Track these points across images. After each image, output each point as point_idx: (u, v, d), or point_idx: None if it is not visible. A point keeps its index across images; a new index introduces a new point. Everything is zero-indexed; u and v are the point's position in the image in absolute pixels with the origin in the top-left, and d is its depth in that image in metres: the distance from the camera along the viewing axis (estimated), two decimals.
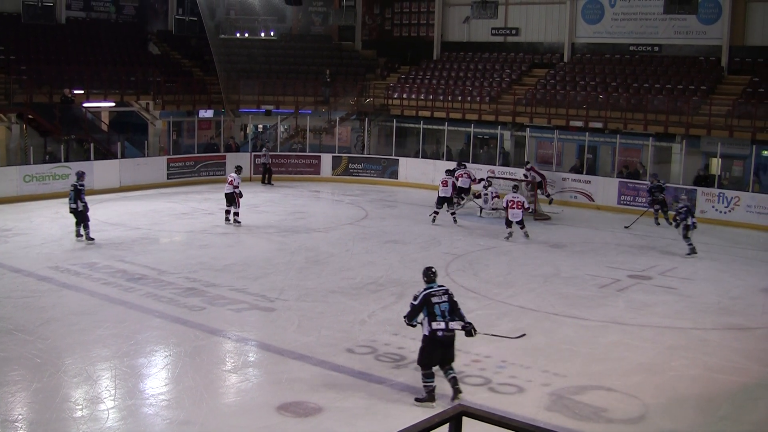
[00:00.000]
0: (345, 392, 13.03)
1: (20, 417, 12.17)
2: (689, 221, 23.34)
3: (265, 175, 35.65)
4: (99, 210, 27.08)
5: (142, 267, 20.67)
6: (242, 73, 40.57)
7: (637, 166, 32.66)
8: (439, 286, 12.89)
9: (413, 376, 13.52)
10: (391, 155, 36.62)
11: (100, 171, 32.40)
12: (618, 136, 32.15)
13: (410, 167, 35.68)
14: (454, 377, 12.80)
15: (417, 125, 36.78)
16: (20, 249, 22.60)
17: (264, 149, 36.45)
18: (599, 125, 32.97)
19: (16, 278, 19.64)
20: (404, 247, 23.35)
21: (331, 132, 39.22)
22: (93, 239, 23.54)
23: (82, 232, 23.69)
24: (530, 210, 26.66)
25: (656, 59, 35.73)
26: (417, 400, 12.76)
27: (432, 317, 12.58)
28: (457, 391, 12.72)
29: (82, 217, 23.64)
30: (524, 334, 15.38)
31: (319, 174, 36.90)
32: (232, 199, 26.54)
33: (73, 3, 41.19)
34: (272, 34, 44.54)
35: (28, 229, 25.29)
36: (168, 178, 34.83)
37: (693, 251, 23.41)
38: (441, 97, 37.80)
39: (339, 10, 43.24)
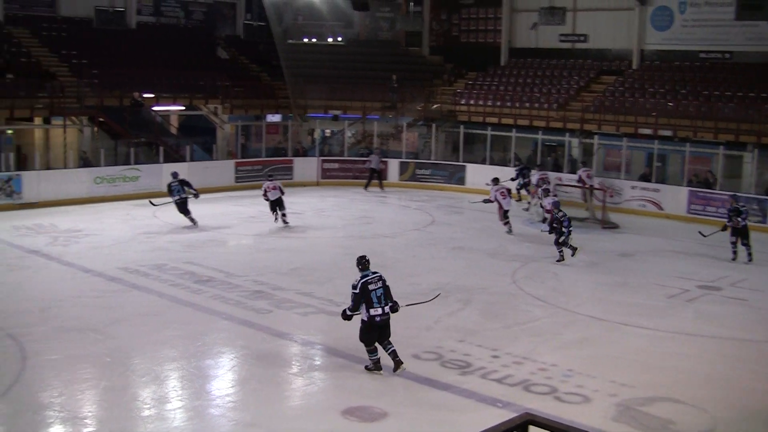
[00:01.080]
0: (410, 398, 13.04)
1: (89, 414, 12.36)
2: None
3: (371, 179, 35.70)
4: (167, 213, 27.37)
5: (210, 269, 20.85)
6: (310, 78, 40.72)
7: (707, 175, 32.18)
8: (373, 273, 13.90)
9: (479, 383, 13.51)
10: (458, 161, 36.53)
11: (169, 174, 32.70)
12: (688, 144, 31.67)
13: (477, 174, 35.49)
14: (393, 350, 13.88)
15: (484, 131, 36.66)
16: (91, 249, 22.92)
17: (372, 154, 36.50)
18: (668, 133, 32.49)
19: (87, 278, 19.93)
20: (471, 254, 23.27)
21: (398, 137, 39.24)
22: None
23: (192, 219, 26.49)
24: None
25: (727, 66, 35.16)
26: (366, 368, 14.02)
27: (369, 304, 13.64)
28: (398, 363, 13.82)
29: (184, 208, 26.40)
30: (438, 294, 16.66)
31: (386, 179, 36.91)
32: (280, 202, 26.81)
33: (143, 8, 41.76)
34: (339, 39, 44.66)
35: (98, 230, 25.65)
36: (236, 182, 35.08)
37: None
38: (508, 104, 37.59)
39: (406, 15, 43.32)
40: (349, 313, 14.01)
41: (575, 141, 34.93)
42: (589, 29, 39.13)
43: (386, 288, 13.89)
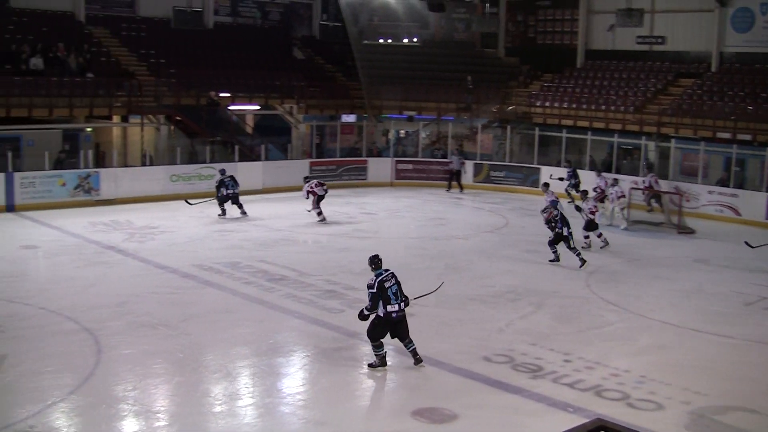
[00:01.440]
0: (480, 401, 12.97)
1: (162, 409, 12.49)
2: None
3: (452, 180, 35.73)
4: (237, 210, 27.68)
5: (283, 268, 20.98)
6: (385, 78, 40.78)
7: None
8: (386, 271, 14.11)
9: (550, 387, 13.40)
10: (533, 164, 36.31)
11: (244, 172, 32.97)
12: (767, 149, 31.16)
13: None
14: (414, 349, 14.17)
15: (559, 134, 36.36)
16: (166, 246, 23.21)
17: (453, 155, 36.46)
18: (748, 137, 31.96)
19: (162, 275, 20.19)
20: (544, 257, 23.08)
21: (472, 139, 39.12)
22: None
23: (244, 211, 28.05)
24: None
25: None
26: (370, 365, 14.18)
27: (387, 300, 13.85)
28: (417, 361, 14.16)
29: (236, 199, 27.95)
30: (443, 283, 16.94)
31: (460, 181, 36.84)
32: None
33: (220, 8, 42.18)
34: (415, 40, 44.63)
35: (173, 228, 25.97)
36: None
37: None
38: (584, 106, 37.27)
39: (482, 16, 43.15)
40: (366, 312, 14.09)
41: (651, 144, 34.50)
42: (667, 31, 38.58)
43: (399, 284, 14.10)
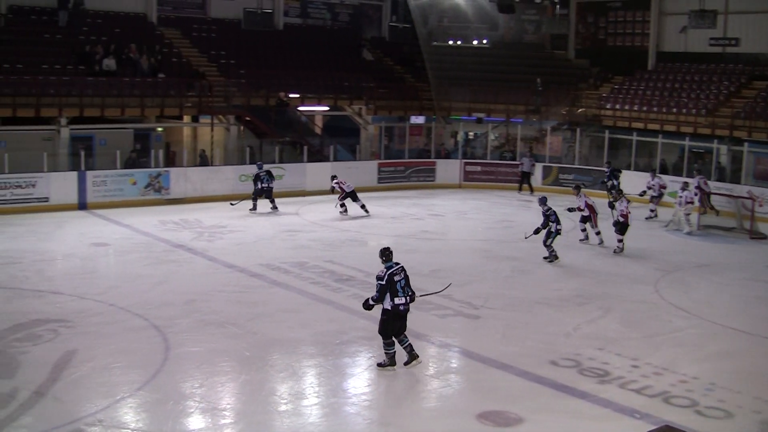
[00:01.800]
0: (546, 405, 12.86)
1: (228, 406, 12.58)
2: None
3: (523, 182, 35.64)
4: (309, 211, 27.88)
5: (350, 268, 21.02)
6: (454, 80, 40.72)
7: None
8: (396, 264, 14.09)
9: (617, 392, 13.25)
10: (603, 166, 35.94)
11: (313, 173, 33.20)
12: None
13: (621, 179, 34.89)
14: (409, 344, 14.18)
15: (629, 137, 35.97)
16: (234, 246, 23.39)
17: (524, 158, 36.30)
18: None
19: (230, 274, 20.35)
20: (613, 261, 22.87)
21: (541, 141, 38.90)
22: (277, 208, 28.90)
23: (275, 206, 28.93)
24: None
25: None
26: (379, 365, 14.13)
27: (394, 293, 13.88)
28: (413, 357, 14.13)
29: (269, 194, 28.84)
30: (450, 284, 16.76)
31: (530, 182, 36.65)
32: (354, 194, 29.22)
33: (290, 10, 42.40)
34: (484, 42, 44.46)
35: (242, 227, 26.18)
36: (378, 182, 35.34)
37: None
38: (655, 109, 36.86)
39: (552, 18, 42.90)
40: (371, 303, 14.15)
41: (724, 148, 33.97)
42: (741, 33, 37.93)
43: (407, 278, 14.17)
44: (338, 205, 28.87)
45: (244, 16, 37.60)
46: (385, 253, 14.22)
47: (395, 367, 14.11)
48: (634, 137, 35.60)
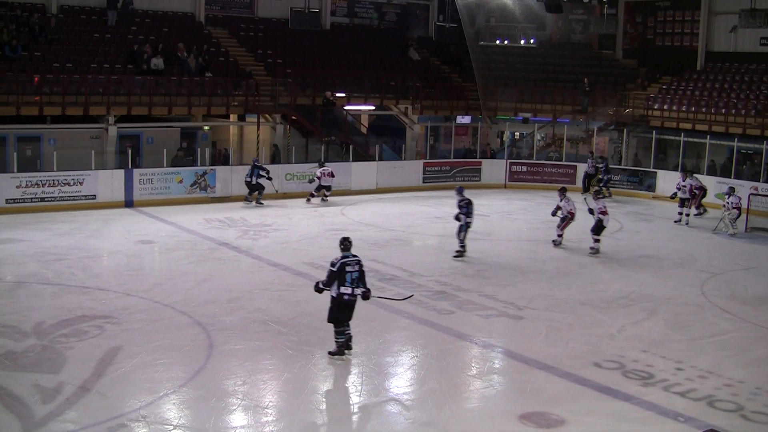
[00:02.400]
0: (589, 407, 12.78)
1: (270, 404, 12.62)
2: None
3: (586, 182, 35.31)
4: (354, 210, 27.89)
5: (394, 268, 21.02)
6: (500, 80, 40.64)
7: None
8: (353, 256, 14.47)
9: (661, 395, 13.15)
10: (650, 167, 35.67)
11: (358, 172, 33.28)
12: None
13: (669, 181, 34.57)
14: (349, 335, 14.62)
15: (677, 137, 35.61)
16: (278, 244, 23.47)
17: (589, 159, 35.92)
18: None
19: (274, 272, 20.42)
20: (658, 263, 22.69)
21: (588, 141, 38.68)
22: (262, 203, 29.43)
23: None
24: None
25: None
26: (330, 353, 14.52)
27: (342, 282, 14.29)
28: (347, 348, 14.58)
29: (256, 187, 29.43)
30: (412, 295, 17.27)
31: (575, 184, 36.41)
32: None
33: (337, 9, 42.53)
34: (532, 41, 44.26)
35: (286, 226, 26.28)
36: (423, 182, 35.34)
37: None
38: (704, 109, 36.49)
39: (600, 18, 42.59)
40: (321, 287, 14.64)
41: None
42: None
43: (362, 273, 14.49)
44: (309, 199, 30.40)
45: (291, 15, 37.69)
46: (344, 242, 14.63)
47: (344, 356, 14.53)
48: (682, 138, 35.24)
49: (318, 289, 14.70)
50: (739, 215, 27.23)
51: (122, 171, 28.82)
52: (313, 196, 30.70)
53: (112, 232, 24.70)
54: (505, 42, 43.98)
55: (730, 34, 39.31)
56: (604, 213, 23.68)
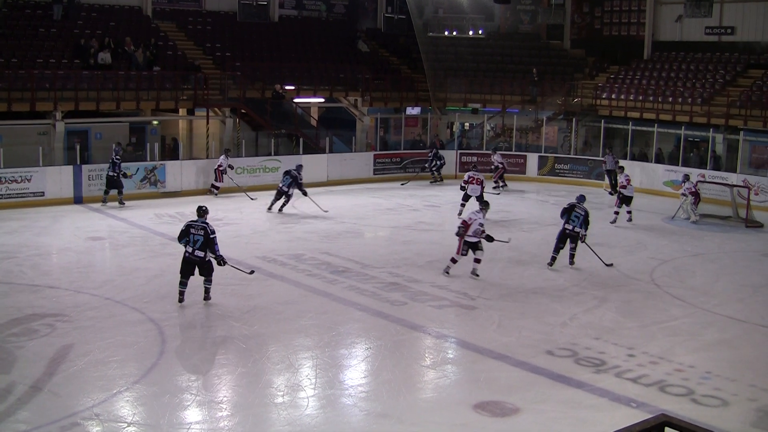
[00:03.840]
0: (543, 395, 12.88)
1: (225, 399, 12.62)
2: None
3: (611, 181, 33.91)
4: (306, 203, 27.73)
5: (346, 260, 21.03)
6: (450, 71, 40.75)
7: None
8: (203, 222, 16.73)
9: (614, 382, 13.31)
10: (599, 156, 35.93)
11: (309, 165, 33.10)
12: None
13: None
14: (207, 288, 17.05)
15: (626, 126, 35.94)
16: (230, 238, 23.33)
17: (607, 155, 34.45)
18: None
19: (226, 266, 20.29)
20: (609, 251, 22.84)
21: (537, 131, 38.89)
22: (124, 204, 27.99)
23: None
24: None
25: None
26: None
27: (186, 242, 16.65)
28: (205, 299, 17.04)
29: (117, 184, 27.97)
30: (253, 271, 18.64)
31: (525, 173, 36.64)
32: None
33: (285, 1, 42.43)
34: (480, 32, 44.32)
35: (238, 220, 26.19)
36: (374, 174, 35.36)
37: None
38: (651, 98, 36.83)
39: (548, 8, 42.82)
40: (179, 240, 16.99)
41: (719, 137, 33.98)
42: (737, 21, 37.93)
43: (208, 240, 16.54)
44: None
45: (239, 8, 37.52)
46: (199, 210, 17.09)
47: (181, 304, 16.77)
48: (630, 126, 35.58)
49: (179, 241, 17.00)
50: (697, 200, 27.56)
51: (70, 167, 28.53)
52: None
53: (61, 229, 24.46)
54: (454, 33, 44.00)
55: (675, 24, 39.72)
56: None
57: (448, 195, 31.57)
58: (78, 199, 28.23)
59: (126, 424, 11.52)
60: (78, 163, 28.87)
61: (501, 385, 13.20)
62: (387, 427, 11.72)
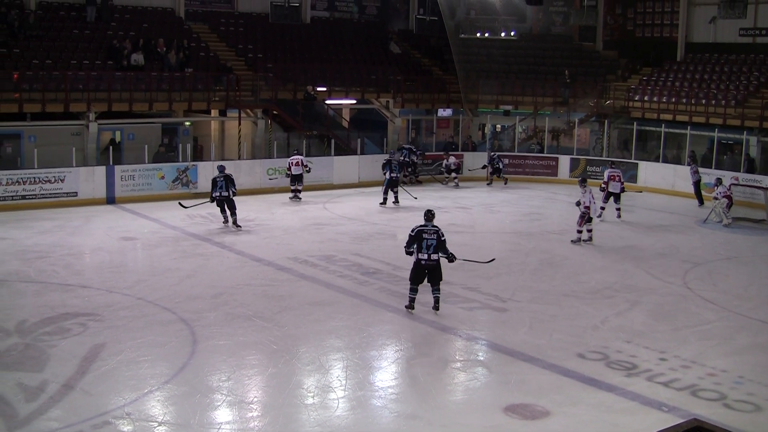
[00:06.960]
0: (573, 398, 12.81)
1: (255, 399, 12.62)
2: None
3: (698, 192, 32.18)
4: (337, 205, 27.87)
5: (377, 261, 21.03)
6: (481, 72, 40.69)
7: None
8: (432, 226, 16.69)
9: (645, 385, 13.22)
10: (631, 159, 35.76)
11: (340, 166, 33.26)
12: None
13: (649, 171, 34.74)
14: (437, 297, 16.82)
15: (658, 128, 35.75)
16: (262, 239, 23.44)
17: (693, 165, 32.44)
18: None
19: (257, 267, 20.40)
20: (640, 253, 22.75)
21: (569, 133, 38.76)
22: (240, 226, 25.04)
23: (229, 217, 25.04)
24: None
25: None
26: (406, 306, 16.86)
27: (419, 248, 16.45)
28: (435, 308, 16.80)
29: (230, 204, 24.85)
30: (494, 259, 19.29)
31: (557, 176, 36.52)
32: (300, 177, 30.00)
33: (317, 3, 42.49)
34: (512, 34, 44.28)
35: (269, 220, 26.25)
36: (405, 176, 35.30)
37: None
38: (684, 100, 36.59)
39: (580, 9, 42.63)
40: (406, 249, 16.75)
41: (753, 139, 33.70)
42: None
43: (440, 242, 16.53)
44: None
45: (272, 9, 37.63)
46: (426, 215, 17.06)
47: (413, 310, 16.79)
48: (663, 129, 35.37)
49: (407, 253, 16.78)
50: (730, 204, 27.30)
51: (103, 168, 28.71)
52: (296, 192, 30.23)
53: (94, 229, 24.61)
54: (486, 34, 43.97)
55: (709, 25, 39.41)
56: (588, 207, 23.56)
57: (480, 197, 31.54)
58: (110, 200, 28.41)
59: (157, 424, 11.57)
60: (111, 163, 29.03)
61: (531, 387, 13.15)
62: (417, 429, 11.69)
